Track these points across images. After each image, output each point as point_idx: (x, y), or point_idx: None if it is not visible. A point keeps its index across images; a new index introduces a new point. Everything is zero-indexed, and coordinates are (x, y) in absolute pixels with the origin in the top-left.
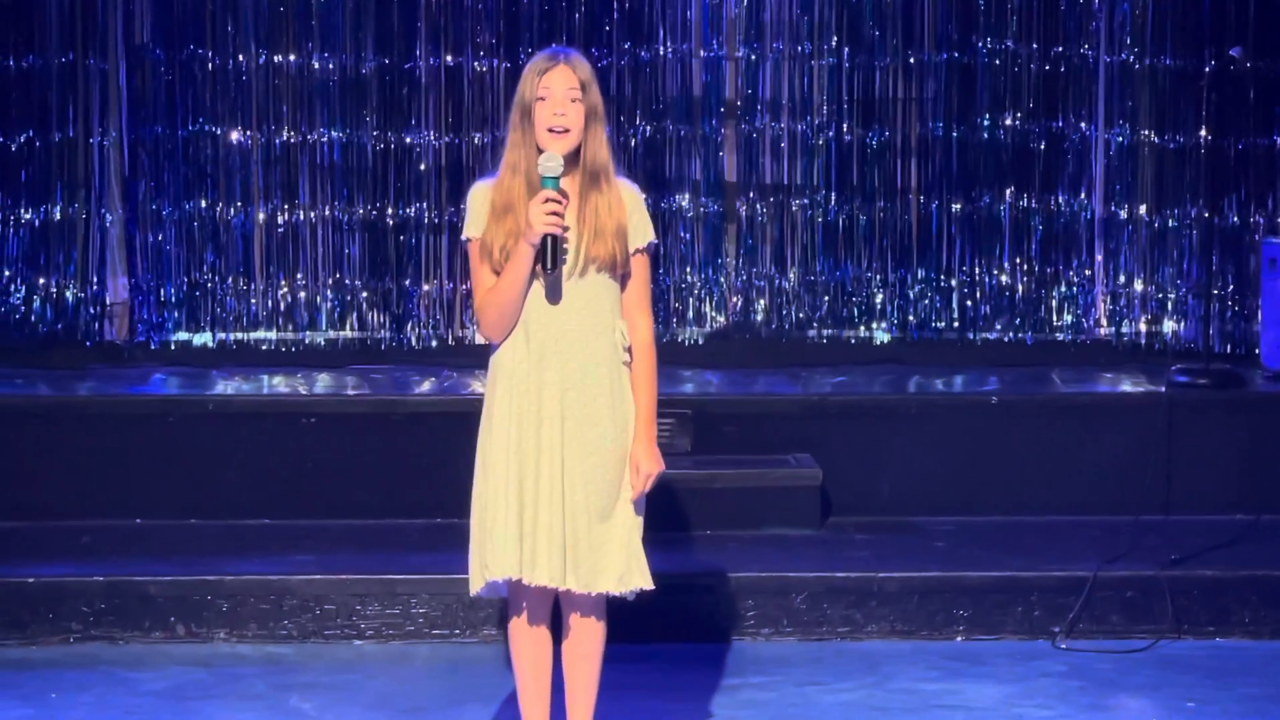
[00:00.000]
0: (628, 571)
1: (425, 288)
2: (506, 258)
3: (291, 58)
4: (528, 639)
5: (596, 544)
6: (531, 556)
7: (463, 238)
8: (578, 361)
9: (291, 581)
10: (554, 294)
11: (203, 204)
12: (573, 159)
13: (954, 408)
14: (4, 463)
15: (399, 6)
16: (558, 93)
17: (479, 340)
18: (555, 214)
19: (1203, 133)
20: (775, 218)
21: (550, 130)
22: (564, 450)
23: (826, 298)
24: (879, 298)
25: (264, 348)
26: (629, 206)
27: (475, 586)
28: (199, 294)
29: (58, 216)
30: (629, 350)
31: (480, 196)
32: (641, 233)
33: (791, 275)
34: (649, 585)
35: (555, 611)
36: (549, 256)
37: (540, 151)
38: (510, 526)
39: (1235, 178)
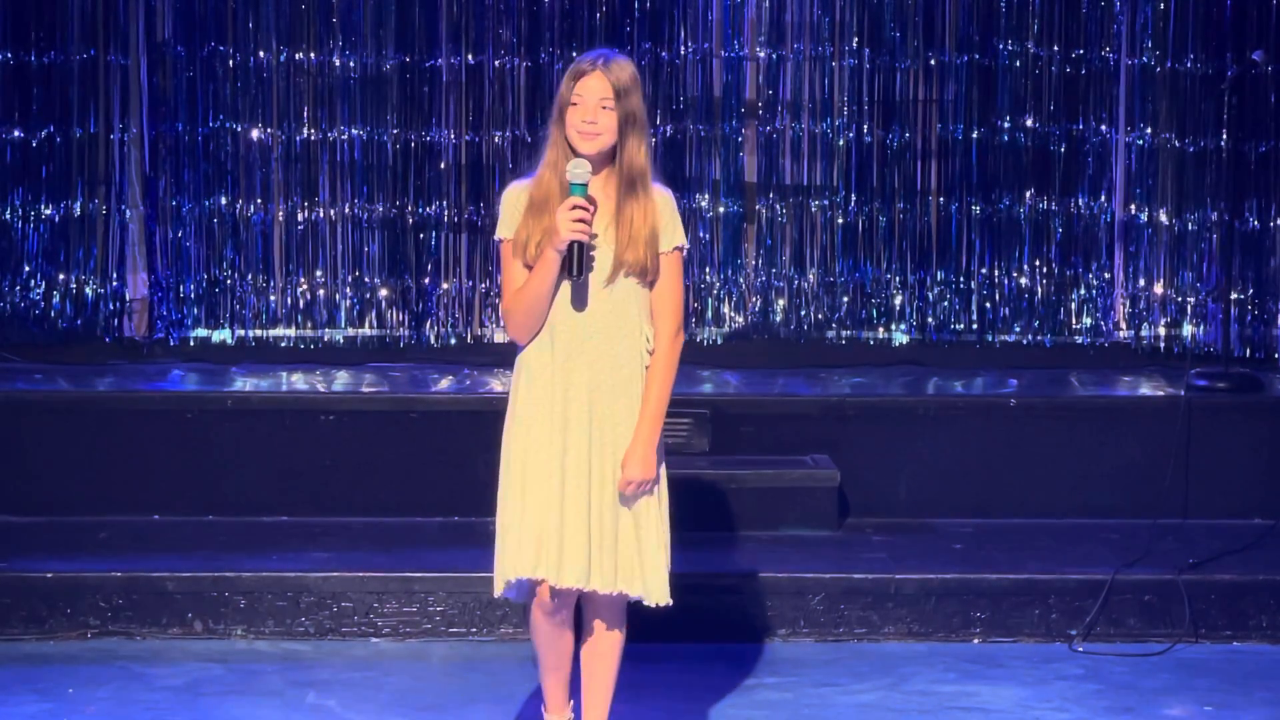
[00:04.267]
0: (647, 581)
1: (445, 286)
2: (540, 253)
3: (312, 55)
4: (549, 626)
5: (622, 547)
6: (558, 558)
7: (495, 238)
8: (604, 364)
9: (309, 579)
10: (580, 299)
11: (223, 201)
12: (610, 163)
13: (972, 410)
14: (23, 458)
15: (420, 5)
16: (590, 100)
17: (499, 339)
18: (582, 220)
19: (1223, 136)
20: (795, 218)
21: (579, 132)
22: (590, 452)
23: (845, 299)
24: (898, 299)
25: (283, 345)
26: (660, 209)
27: (500, 587)
28: (219, 291)
29: (78, 212)
30: (653, 354)
31: (513, 197)
32: (670, 235)
33: (810, 276)
34: (665, 600)
35: (578, 606)
36: (575, 263)
37: (573, 153)
38: (533, 528)
39: (1256, 181)
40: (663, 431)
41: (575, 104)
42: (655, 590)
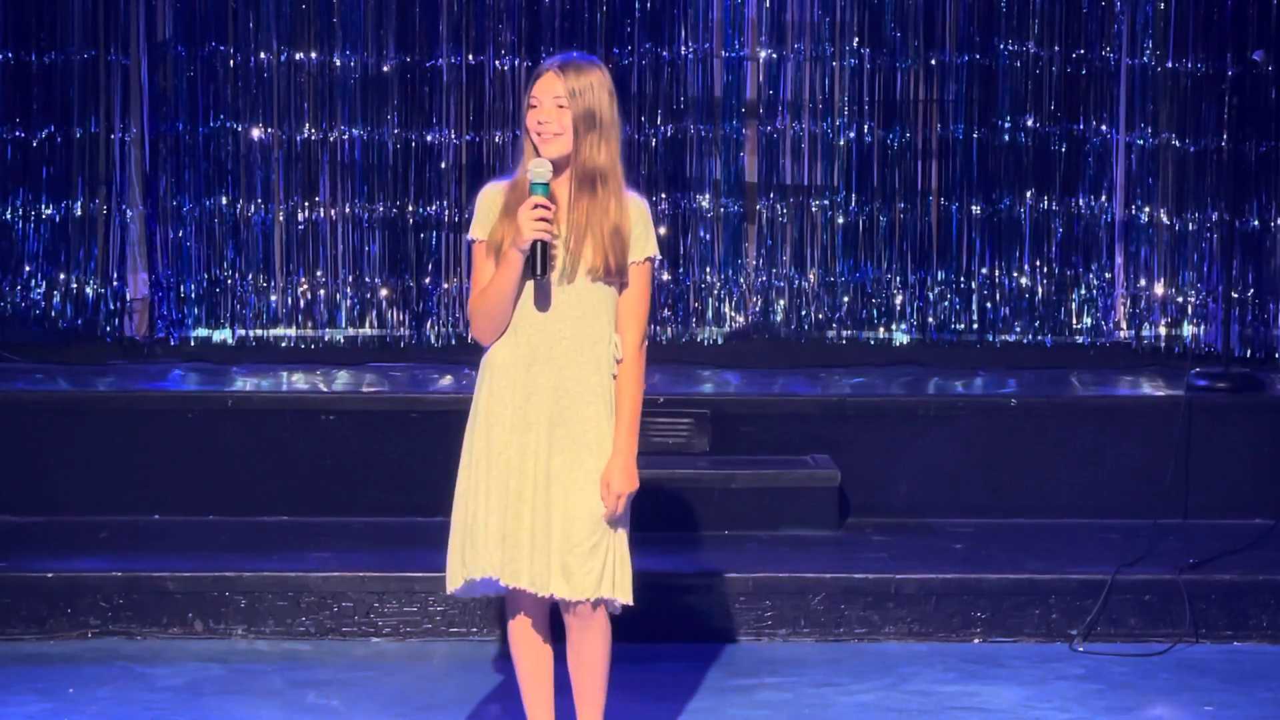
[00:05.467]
0: (606, 582)
1: (445, 286)
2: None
3: (313, 55)
4: (526, 640)
5: (578, 550)
6: (514, 559)
7: (467, 238)
8: (571, 370)
9: (309, 578)
10: (543, 300)
11: (223, 201)
12: (568, 164)
13: (973, 410)
14: (23, 457)
15: (420, 5)
16: (545, 100)
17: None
18: (544, 219)
19: (1224, 136)
20: (795, 218)
21: (537, 134)
22: (550, 456)
23: (846, 299)
24: (898, 299)
25: (283, 345)
26: (633, 218)
27: (453, 584)
28: (219, 290)
29: (79, 212)
30: (620, 362)
31: (488, 198)
32: (642, 246)
33: (811, 276)
34: (628, 600)
35: (557, 610)
36: (538, 263)
37: (538, 155)
38: (492, 527)
39: (1256, 181)
40: (660, 432)
41: (534, 106)
42: (619, 589)
